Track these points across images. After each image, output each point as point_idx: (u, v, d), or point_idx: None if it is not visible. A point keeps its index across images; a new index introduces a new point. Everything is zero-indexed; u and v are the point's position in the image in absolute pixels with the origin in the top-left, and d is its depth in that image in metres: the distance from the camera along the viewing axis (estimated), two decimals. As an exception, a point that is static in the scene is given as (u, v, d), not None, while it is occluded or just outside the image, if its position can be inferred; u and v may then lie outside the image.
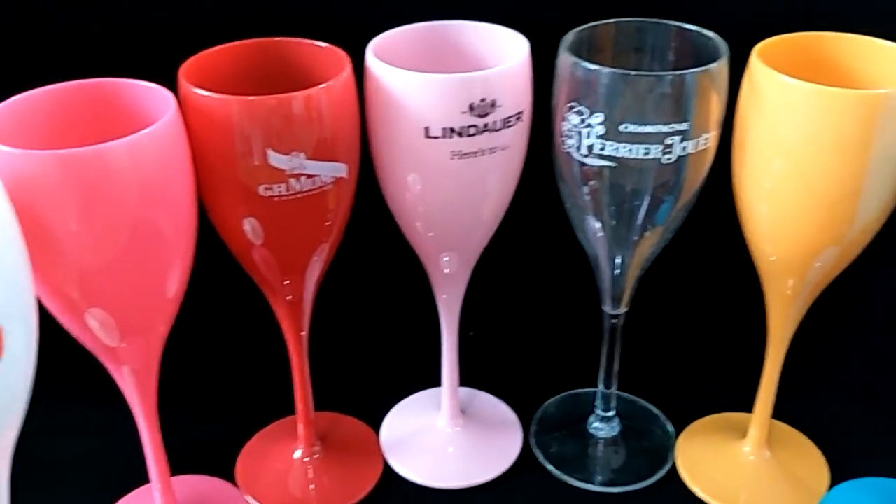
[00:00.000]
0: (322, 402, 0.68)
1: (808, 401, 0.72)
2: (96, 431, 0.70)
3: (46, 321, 0.47)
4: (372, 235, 0.68)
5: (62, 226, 0.45)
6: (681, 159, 0.53)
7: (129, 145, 0.45)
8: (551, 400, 0.73)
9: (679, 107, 0.52)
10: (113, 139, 0.45)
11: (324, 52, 0.55)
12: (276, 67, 0.55)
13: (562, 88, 0.54)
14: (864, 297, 0.78)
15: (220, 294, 0.69)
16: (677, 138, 0.52)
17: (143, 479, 0.63)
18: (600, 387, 0.68)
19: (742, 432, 0.67)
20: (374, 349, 0.79)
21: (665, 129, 0.52)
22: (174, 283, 0.52)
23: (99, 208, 0.46)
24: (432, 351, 0.70)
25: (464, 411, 0.71)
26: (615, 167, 0.54)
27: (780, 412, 0.66)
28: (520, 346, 0.80)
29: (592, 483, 0.66)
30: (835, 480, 0.65)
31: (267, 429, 0.70)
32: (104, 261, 0.47)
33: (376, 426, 0.71)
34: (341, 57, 0.54)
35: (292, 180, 0.51)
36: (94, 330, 0.50)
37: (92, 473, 0.67)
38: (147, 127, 0.47)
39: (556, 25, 0.57)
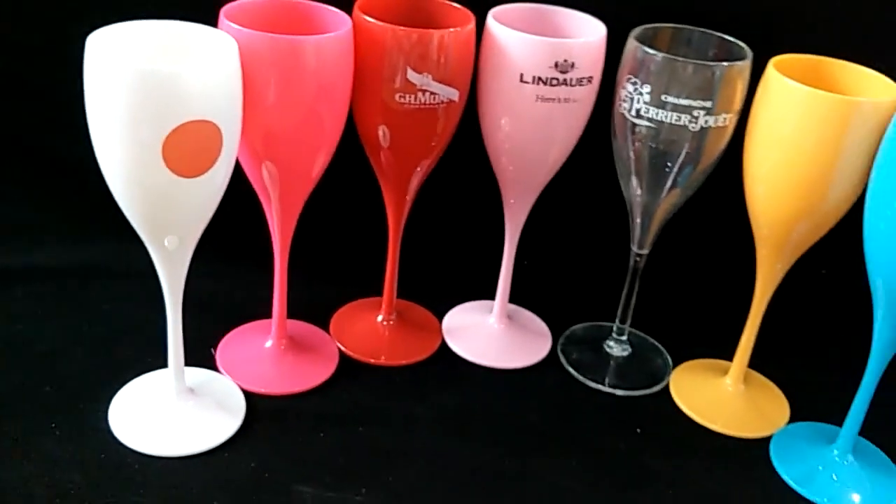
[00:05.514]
0: (401, 290, 0.88)
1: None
2: (234, 276, 0.92)
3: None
4: (465, 170, 0.87)
5: (262, 92, 0.65)
6: (703, 130, 0.72)
7: (316, 42, 0.66)
8: (579, 325, 0.92)
9: (707, 89, 0.70)
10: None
11: (456, 10, 0.76)
12: (422, 14, 0.76)
13: (625, 65, 0.74)
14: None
15: (342, 188, 0.89)
16: (702, 112, 0.71)
17: (260, 315, 0.84)
18: (617, 320, 0.87)
19: (724, 373, 0.85)
20: (451, 258, 0.98)
21: (694, 104, 0.70)
22: (318, 164, 0.72)
23: (289, 84, 0.66)
24: (492, 269, 0.90)
25: (510, 317, 0.90)
26: (655, 129, 0.72)
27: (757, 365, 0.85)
28: (562, 278, 0.99)
29: (602, 384, 0.84)
30: (792, 419, 0.82)
31: (358, 301, 0.90)
32: (283, 127, 0.68)
33: (440, 316, 0.90)
34: (468, 15, 0.74)
35: (419, 93, 0.71)
36: (265, 179, 0.71)
37: (224, 306, 0.88)
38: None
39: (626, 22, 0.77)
